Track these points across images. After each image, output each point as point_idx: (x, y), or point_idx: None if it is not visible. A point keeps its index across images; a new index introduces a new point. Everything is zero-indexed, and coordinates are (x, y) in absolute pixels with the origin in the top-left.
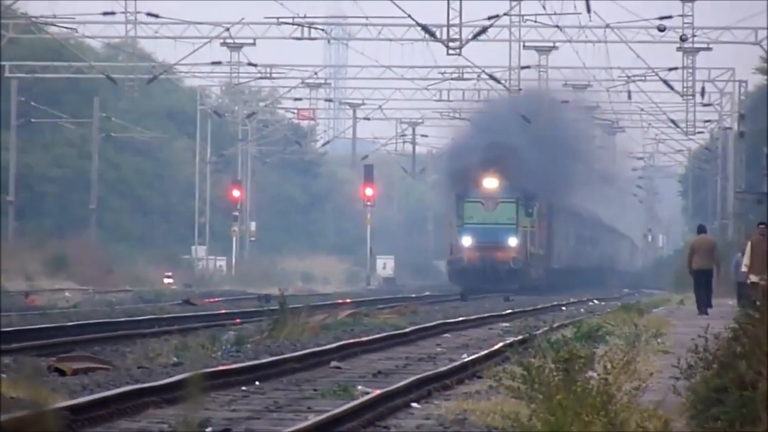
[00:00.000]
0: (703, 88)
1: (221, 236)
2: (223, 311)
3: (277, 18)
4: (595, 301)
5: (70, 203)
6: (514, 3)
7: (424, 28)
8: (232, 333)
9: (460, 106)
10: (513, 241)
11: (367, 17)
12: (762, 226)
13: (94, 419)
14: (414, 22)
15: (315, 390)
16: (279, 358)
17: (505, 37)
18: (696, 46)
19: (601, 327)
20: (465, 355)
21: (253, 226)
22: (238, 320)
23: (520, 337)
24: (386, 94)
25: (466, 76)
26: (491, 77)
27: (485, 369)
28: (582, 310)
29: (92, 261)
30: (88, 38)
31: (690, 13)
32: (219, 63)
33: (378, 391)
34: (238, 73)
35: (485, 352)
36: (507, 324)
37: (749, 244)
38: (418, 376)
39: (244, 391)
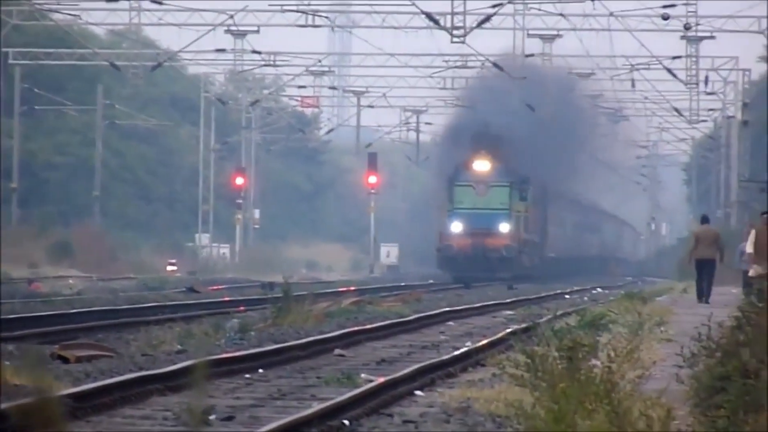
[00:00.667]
0: (706, 77)
1: (225, 224)
2: (227, 299)
3: (281, 5)
4: (599, 290)
5: (74, 190)
6: None
7: (428, 15)
8: (236, 321)
9: (463, 94)
10: (505, 227)
11: (371, 5)
12: (765, 215)
13: (98, 407)
14: (418, 10)
15: (319, 378)
16: (283, 345)
17: (509, 25)
18: (700, 34)
19: (605, 315)
20: (468, 343)
21: (256, 213)
22: (242, 308)
23: (523, 326)
24: (390, 82)
25: (470, 64)
26: (495, 65)
27: (489, 357)
28: (585, 298)
29: (96, 248)
30: (92, 25)
31: (694, 2)
32: (223, 50)
33: (382, 379)
34: (242, 60)
35: (489, 340)
36: (510, 312)
37: (753, 232)
38: (422, 364)
39: (247, 378)
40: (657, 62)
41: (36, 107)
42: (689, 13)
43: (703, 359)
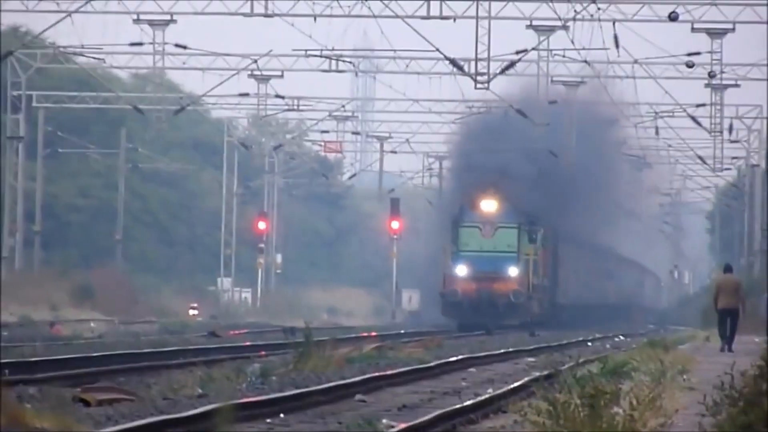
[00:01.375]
0: (731, 125)
1: (247, 268)
2: (248, 343)
3: (305, 50)
4: (621, 337)
5: (96, 233)
6: (542, 37)
7: (452, 61)
8: (257, 365)
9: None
10: (513, 271)
11: (395, 50)
12: None
13: None
14: (442, 56)
15: (340, 423)
16: (304, 390)
17: (533, 72)
18: (724, 82)
19: (627, 363)
20: (490, 390)
21: (278, 258)
22: (263, 352)
23: (545, 372)
24: (413, 127)
25: (493, 110)
26: (519, 112)
27: (510, 404)
28: (608, 345)
29: (118, 291)
30: (116, 68)
31: (718, 50)
32: (246, 95)
33: (403, 425)
34: (266, 104)
35: (510, 386)
36: (532, 359)
37: None
38: (443, 411)
39: (269, 423)
40: (681, 110)
41: (59, 150)
42: (714, 61)
43: (726, 408)
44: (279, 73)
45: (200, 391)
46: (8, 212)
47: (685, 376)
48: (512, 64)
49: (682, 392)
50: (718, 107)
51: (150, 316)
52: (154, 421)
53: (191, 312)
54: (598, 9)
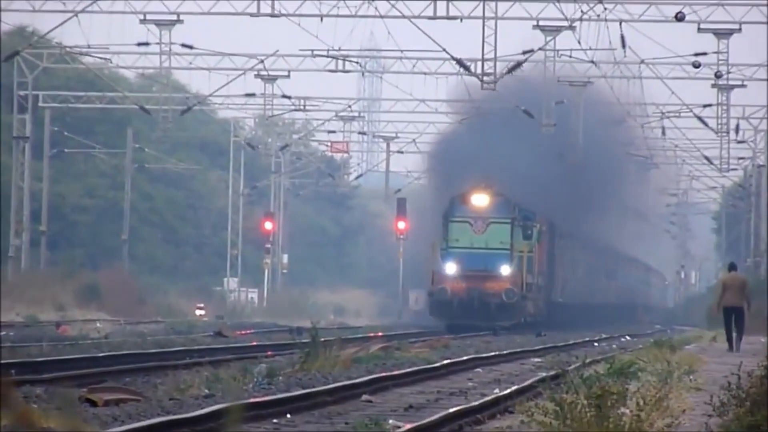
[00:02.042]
0: (737, 125)
1: (253, 268)
2: (255, 343)
3: (312, 50)
4: (628, 337)
5: (103, 234)
6: (549, 38)
7: (459, 62)
8: (264, 365)
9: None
10: (506, 269)
11: (401, 50)
12: None
13: None
14: (449, 56)
15: (346, 423)
16: (310, 391)
17: (540, 72)
18: (731, 82)
19: (634, 363)
20: (497, 390)
21: (285, 258)
22: (269, 352)
23: (552, 373)
24: (420, 127)
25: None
26: (525, 112)
27: (517, 404)
28: (614, 346)
29: (124, 292)
30: (122, 68)
31: (725, 50)
32: (253, 95)
33: (409, 426)
34: (272, 105)
35: (517, 387)
36: (539, 359)
37: None
38: (450, 411)
39: (275, 423)
40: (688, 110)
41: (65, 150)
42: (720, 62)
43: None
44: (285, 73)
45: (207, 391)
46: (14, 212)
47: (691, 377)
48: (519, 64)
49: (689, 393)
50: (725, 107)
51: (156, 317)
52: (161, 421)
53: (198, 312)
54: (605, 9)
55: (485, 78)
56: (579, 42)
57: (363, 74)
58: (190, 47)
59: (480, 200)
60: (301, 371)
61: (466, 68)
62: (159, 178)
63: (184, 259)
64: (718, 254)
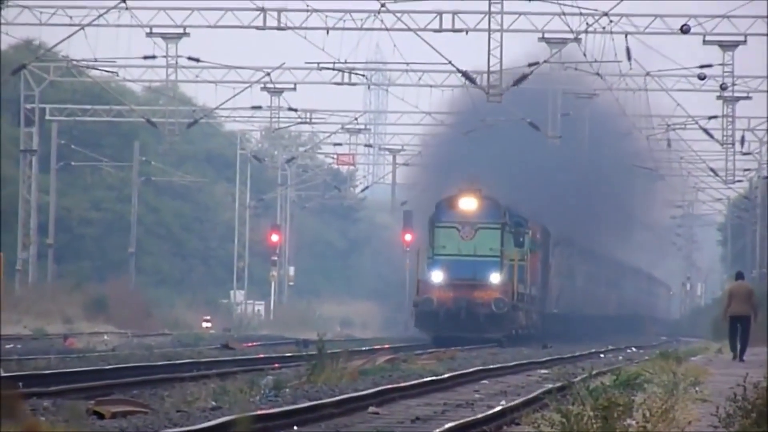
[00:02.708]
0: (743, 137)
1: (260, 281)
2: (262, 356)
3: (318, 63)
4: (633, 349)
5: (109, 246)
6: (554, 50)
7: (465, 74)
8: (271, 378)
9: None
10: (495, 278)
11: (407, 63)
12: None
13: None
14: (454, 69)
15: None
16: (317, 403)
17: (546, 85)
18: (736, 94)
19: (640, 375)
20: (503, 402)
21: (291, 270)
22: (276, 365)
23: (558, 384)
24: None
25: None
26: (531, 124)
27: (523, 416)
28: (620, 357)
29: (131, 304)
30: (129, 82)
31: (730, 62)
32: (259, 107)
33: None
34: (279, 117)
35: (523, 398)
36: (545, 371)
37: None
38: (457, 423)
39: None
40: (693, 122)
41: (72, 163)
42: (725, 74)
43: (739, 420)
44: (292, 85)
45: (214, 403)
46: (22, 225)
47: (697, 388)
48: (524, 77)
49: (695, 404)
50: (730, 119)
51: (163, 329)
52: None
53: (204, 324)
54: (610, 22)
55: (491, 90)
56: (584, 54)
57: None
58: (197, 60)
59: (468, 204)
60: (307, 383)
61: (472, 81)
62: (166, 190)
63: (191, 272)
64: (724, 266)
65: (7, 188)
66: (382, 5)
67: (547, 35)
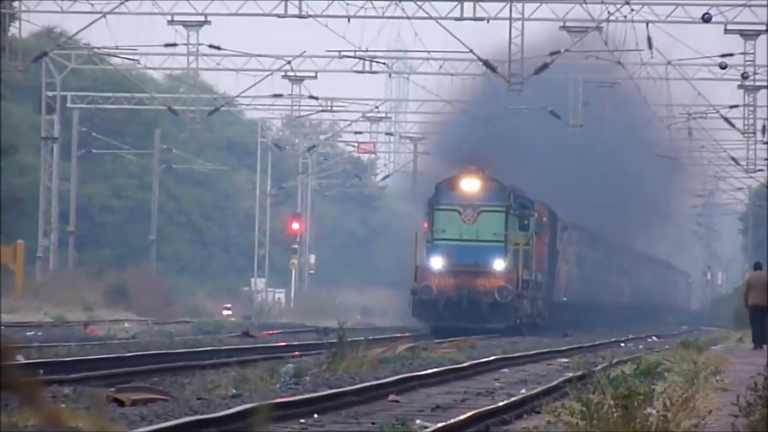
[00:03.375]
0: (764, 126)
1: (280, 269)
2: (282, 344)
3: (339, 51)
4: (654, 338)
5: (130, 234)
6: (576, 39)
7: (486, 63)
8: (291, 365)
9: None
10: (499, 264)
11: (428, 51)
12: None
13: None
14: (476, 57)
15: (373, 423)
16: (337, 391)
17: (567, 74)
18: (757, 83)
19: (660, 364)
20: (523, 390)
21: (312, 258)
22: (296, 353)
23: (578, 373)
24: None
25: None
26: (552, 113)
27: (544, 404)
28: (641, 346)
29: (151, 292)
30: (150, 69)
31: (752, 51)
32: (280, 96)
33: (436, 426)
34: (299, 105)
35: (544, 387)
36: (565, 359)
37: None
38: (477, 411)
39: (302, 423)
40: (714, 111)
41: (93, 151)
42: (747, 62)
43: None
44: (313, 74)
45: (234, 391)
46: (43, 213)
47: (718, 377)
48: (545, 65)
49: (716, 393)
50: (751, 108)
51: (184, 317)
52: (189, 421)
53: (225, 312)
54: (632, 10)
55: (512, 79)
56: (606, 43)
57: (390, 75)
58: (218, 48)
59: (470, 185)
60: (328, 371)
61: (493, 69)
62: (186, 178)
63: (212, 260)
64: (745, 255)
65: (28, 176)
66: None
67: (568, 24)
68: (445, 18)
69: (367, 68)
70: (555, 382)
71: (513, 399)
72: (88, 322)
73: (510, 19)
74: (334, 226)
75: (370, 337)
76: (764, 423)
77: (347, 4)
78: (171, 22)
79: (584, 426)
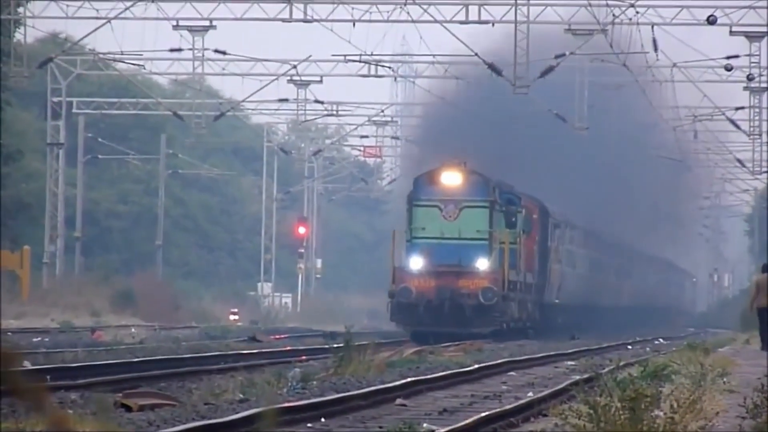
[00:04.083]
0: None
1: (287, 273)
2: (289, 348)
3: (344, 55)
4: (661, 340)
5: (137, 239)
6: (581, 42)
7: (491, 66)
8: (298, 370)
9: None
10: (483, 264)
11: (433, 55)
12: None
13: None
14: (481, 61)
15: (380, 427)
16: (344, 395)
17: (572, 76)
18: (763, 85)
19: (667, 366)
20: (530, 393)
21: (318, 263)
22: (303, 357)
23: (585, 376)
24: None
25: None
26: (558, 116)
27: (551, 407)
28: (648, 348)
29: (158, 297)
30: (156, 75)
31: (757, 53)
32: (286, 100)
33: (443, 429)
34: (305, 110)
35: (551, 390)
36: (572, 362)
37: None
38: (484, 414)
39: (309, 427)
40: (720, 113)
41: (99, 156)
42: (752, 64)
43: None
44: (318, 78)
45: (241, 395)
46: (49, 219)
47: (725, 379)
48: (551, 68)
49: (723, 395)
50: (757, 110)
51: (191, 322)
52: (196, 425)
53: (232, 317)
54: (637, 13)
55: (517, 82)
56: (611, 45)
57: (395, 79)
58: (223, 53)
59: (451, 179)
60: (335, 375)
61: (499, 72)
62: (192, 183)
63: (218, 265)
64: (752, 257)
65: (34, 182)
66: None
67: (573, 26)
68: (450, 21)
69: (372, 72)
70: (562, 385)
71: (520, 402)
72: (95, 327)
73: (515, 22)
74: (341, 230)
75: (377, 341)
76: None
77: (352, 8)
78: (176, 27)
79: (591, 429)
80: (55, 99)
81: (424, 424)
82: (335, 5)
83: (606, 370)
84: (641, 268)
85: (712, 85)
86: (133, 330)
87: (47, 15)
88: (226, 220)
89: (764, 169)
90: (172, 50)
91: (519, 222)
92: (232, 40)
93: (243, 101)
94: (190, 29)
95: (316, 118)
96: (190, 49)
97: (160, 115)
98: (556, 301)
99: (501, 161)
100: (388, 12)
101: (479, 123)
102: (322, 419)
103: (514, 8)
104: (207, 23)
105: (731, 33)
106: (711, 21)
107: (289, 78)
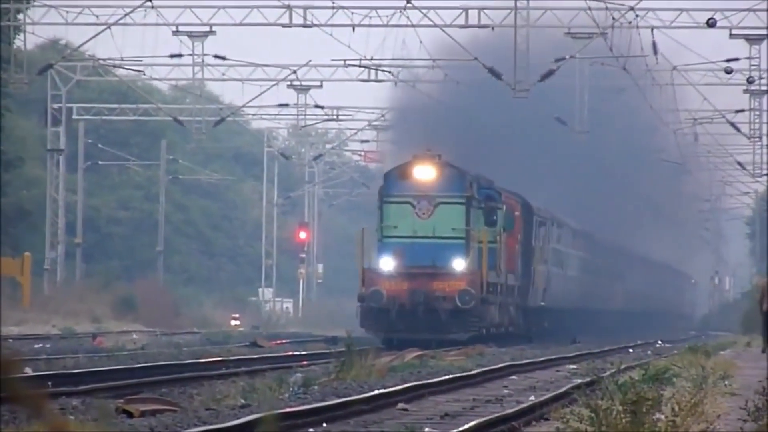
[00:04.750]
0: None
1: (288, 278)
2: (290, 353)
3: (344, 60)
4: (662, 343)
5: (137, 245)
6: (580, 45)
7: (491, 70)
8: (299, 375)
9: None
10: (460, 264)
11: (433, 59)
12: None
13: None
14: (481, 65)
15: None
16: (346, 400)
17: (572, 80)
18: (763, 88)
19: (669, 369)
20: (532, 397)
21: (320, 268)
22: (305, 362)
23: (587, 379)
24: None
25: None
26: (558, 120)
27: (552, 411)
28: (649, 352)
29: (159, 303)
30: (156, 80)
31: (757, 56)
32: (286, 105)
33: None
34: (305, 115)
35: (552, 394)
36: (574, 366)
37: None
38: (486, 418)
39: None
40: (720, 116)
41: (100, 162)
42: (752, 67)
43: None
44: (318, 83)
45: (243, 401)
46: (50, 225)
47: (726, 382)
48: (551, 72)
49: (724, 397)
50: (757, 113)
51: (192, 327)
52: (197, 431)
53: (233, 322)
54: (637, 16)
55: (517, 86)
56: (611, 49)
57: (395, 83)
58: (223, 58)
59: (424, 174)
60: (336, 380)
61: (498, 77)
62: (193, 189)
63: (219, 270)
64: (752, 260)
65: (34, 188)
66: (408, 1)
67: (573, 30)
68: (450, 26)
69: (372, 77)
70: (564, 389)
71: (522, 406)
72: (96, 333)
73: (515, 26)
74: (342, 235)
75: (379, 346)
76: None
77: (352, 13)
78: (176, 33)
79: None
80: (55, 105)
81: (426, 429)
82: (335, 10)
83: (607, 373)
84: (637, 269)
85: (713, 88)
86: (134, 336)
87: (47, 21)
88: (227, 226)
89: (765, 172)
90: (172, 56)
91: (499, 219)
92: (232, 45)
93: (243, 106)
94: (190, 35)
95: (316, 123)
96: (190, 55)
97: (161, 120)
98: (542, 304)
99: (478, 154)
100: (387, 16)
101: (453, 113)
102: (324, 424)
103: (514, 12)
104: (207, 29)
105: (731, 36)
106: (711, 24)
107: (289, 83)
